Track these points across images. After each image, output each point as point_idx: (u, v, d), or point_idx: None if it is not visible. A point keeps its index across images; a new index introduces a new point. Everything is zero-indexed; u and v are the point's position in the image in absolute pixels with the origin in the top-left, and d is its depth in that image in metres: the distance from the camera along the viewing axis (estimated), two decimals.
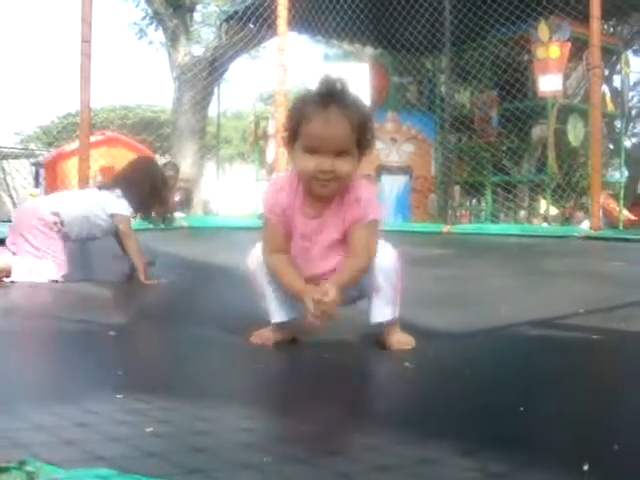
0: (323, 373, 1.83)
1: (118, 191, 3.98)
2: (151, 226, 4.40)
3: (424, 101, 11.17)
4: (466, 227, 8.60)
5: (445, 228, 7.86)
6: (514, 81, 9.26)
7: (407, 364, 1.82)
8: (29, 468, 0.98)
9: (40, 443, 1.23)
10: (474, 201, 12.17)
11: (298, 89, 10.98)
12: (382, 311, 2.04)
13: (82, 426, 1.33)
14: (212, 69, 12.72)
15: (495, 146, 10.02)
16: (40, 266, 3.71)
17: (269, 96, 13.29)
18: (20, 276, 3.64)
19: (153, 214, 4.19)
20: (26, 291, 3.47)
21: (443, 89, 10.63)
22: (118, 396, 1.51)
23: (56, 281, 3.70)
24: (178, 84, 13.72)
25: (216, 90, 12.94)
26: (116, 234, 4.02)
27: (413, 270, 2.87)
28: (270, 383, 1.78)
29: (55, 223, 3.81)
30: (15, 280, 3.62)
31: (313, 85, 2.04)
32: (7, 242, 3.90)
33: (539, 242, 6.61)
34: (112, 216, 3.91)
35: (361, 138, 1.99)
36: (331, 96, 1.94)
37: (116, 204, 3.93)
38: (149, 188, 4.04)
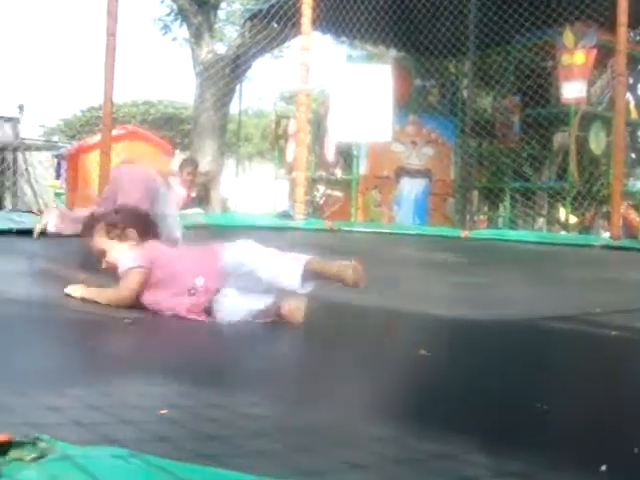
0: (332, 359, 1.82)
1: None
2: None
3: (446, 105, 11.12)
4: (484, 232, 8.55)
5: (463, 233, 7.81)
6: (537, 87, 9.19)
7: (423, 352, 1.81)
8: (43, 444, 0.98)
9: (52, 424, 1.24)
10: (492, 207, 12.08)
11: (320, 89, 10.98)
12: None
13: (94, 408, 1.33)
14: (234, 67, 12.74)
15: (516, 152, 9.96)
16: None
17: (291, 95, 13.30)
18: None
19: None
20: (44, 280, 3.49)
21: (465, 93, 10.58)
22: (132, 379, 1.51)
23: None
24: (200, 81, 13.75)
25: (238, 88, 12.96)
26: None
27: (431, 273, 2.86)
28: (282, 369, 1.78)
29: None
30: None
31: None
32: None
33: (558, 250, 6.55)
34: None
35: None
36: None
37: None
38: None
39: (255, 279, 2.46)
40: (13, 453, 0.96)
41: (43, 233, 3.93)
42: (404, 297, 2.88)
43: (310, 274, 2.35)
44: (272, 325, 2.28)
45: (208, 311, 2.47)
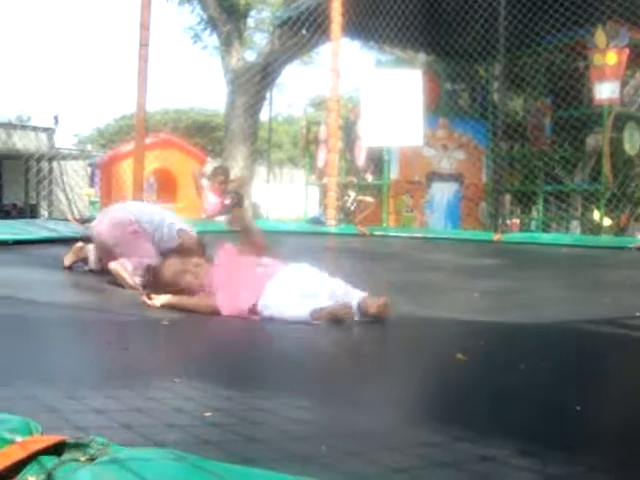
0: (371, 363, 1.84)
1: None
2: (203, 229, 4.45)
3: (476, 108, 11.08)
4: (517, 236, 8.49)
5: (496, 236, 7.76)
6: (569, 88, 9.11)
7: (460, 356, 1.82)
8: (95, 446, 1.01)
9: (99, 426, 1.27)
10: (525, 210, 11.98)
11: (350, 95, 11.01)
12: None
13: (139, 411, 1.36)
14: (264, 74, 12.84)
15: (548, 154, 9.87)
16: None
17: (321, 101, 13.33)
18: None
19: None
20: (80, 285, 3.56)
21: (496, 96, 10.53)
22: (174, 382, 1.54)
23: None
24: (231, 88, 13.87)
25: (268, 95, 13.05)
26: None
27: (465, 277, 2.86)
28: (322, 372, 1.80)
29: (139, 229, 3.75)
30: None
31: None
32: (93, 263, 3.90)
33: (593, 253, 6.47)
34: (178, 231, 3.84)
35: None
36: None
37: (183, 222, 3.98)
38: None
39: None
40: (67, 454, 1.00)
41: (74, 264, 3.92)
42: (438, 301, 2.89)
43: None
44: (314, 327, 2.31)
45: (254, 311, 2.53)
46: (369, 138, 8.26)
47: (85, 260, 3.93)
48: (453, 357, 1.83)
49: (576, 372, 1.80)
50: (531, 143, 10.13)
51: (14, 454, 0.94)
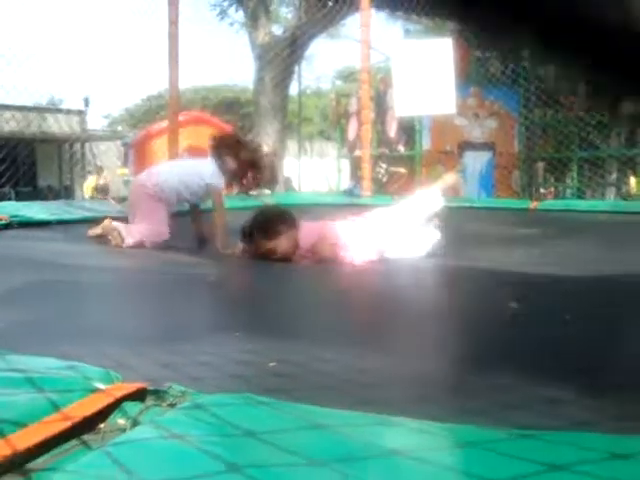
0: (426, 308, 1.87)
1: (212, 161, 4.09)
2: (242, 205, 4.52)
3: (508, 74, 10.90)
4: (554, 203, 8.40)
5: (532, 204, 7.69)
6: None
7: (513, 305, 1.85)
8: (174, 392, 1.04)
9: (167, 378, 1.30)
10: (560, 177, 11.82)
11: (379, 65, 10.92)
12: None
13: (204, 364, 1.40)
14: (293, 48, 12.77)
15: (584, 120, 9.71)
16: (147, 230, 3.83)
17: (349, 73, 13.25)
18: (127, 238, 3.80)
19: (244, 186, 4.33)
20: (125, 253, 3.63)
21: (527, 62, 10.35)
22: (236, 334, 1.57)
23: (157, 243, 3.82)
24: (259, 64, 13.82)
25: (296, 69, 13.00)
26: (192, 208, 4.19)
27: (508, 243, 2.86)
28: (378, 320, 1.83)
29: (156, 192, 3.90)
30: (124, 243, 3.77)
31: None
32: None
33: (632, 219, 6.38)
34: (208, 186, 3.96)
35: None
36: None
37: (213, 175, 4.02)
38: (235, 162, 4.05)
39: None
40: (149, 401, 1.03)
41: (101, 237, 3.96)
42: (485, 264, 2.91)
43: None
44: (369, 273, 2.37)
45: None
46: (401, 108, 8.19)
47: (109, 236, 3.92)
48: (506, 305, 1.86)
49: (621, 322, 1.82)
50: (566, 108, 9.98)
51: (101, 400, 0.98)
